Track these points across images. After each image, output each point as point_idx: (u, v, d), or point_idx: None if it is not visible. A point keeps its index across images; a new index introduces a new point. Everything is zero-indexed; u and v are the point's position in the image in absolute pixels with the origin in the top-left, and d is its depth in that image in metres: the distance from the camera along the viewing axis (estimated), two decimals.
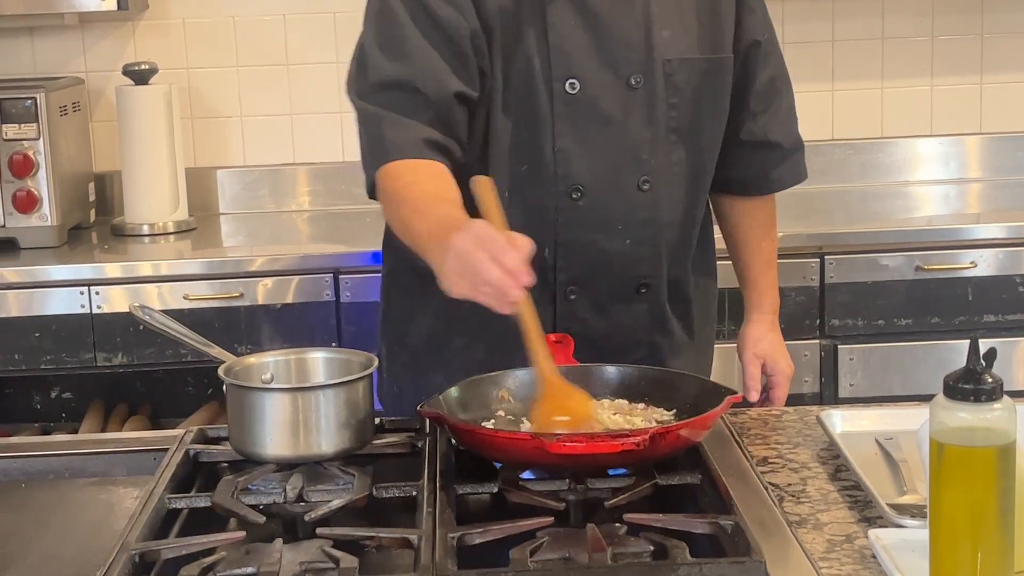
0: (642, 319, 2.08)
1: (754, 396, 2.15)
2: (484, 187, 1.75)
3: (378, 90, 1.93)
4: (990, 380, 1.27)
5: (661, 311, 2.09)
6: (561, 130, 1.96)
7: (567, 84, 1.96)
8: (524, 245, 1.60)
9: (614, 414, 1.77)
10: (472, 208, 1.75)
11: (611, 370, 1.85)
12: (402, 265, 2.10)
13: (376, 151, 1.91)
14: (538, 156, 1.97)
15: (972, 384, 1.27)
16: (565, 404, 1.72)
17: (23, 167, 3.32)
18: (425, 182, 1.86)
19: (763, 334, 2.23)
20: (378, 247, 2.92)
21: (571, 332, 1.99)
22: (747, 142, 2.15)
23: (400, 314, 2.15)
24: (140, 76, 3.52)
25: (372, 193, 1.94)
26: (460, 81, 1.92)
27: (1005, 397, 1.28)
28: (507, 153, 1.97)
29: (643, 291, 2.06)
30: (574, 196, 1.98)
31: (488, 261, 1.58)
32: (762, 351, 2.21)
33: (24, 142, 3.33)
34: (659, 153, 2.01)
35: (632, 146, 1.99)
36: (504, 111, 1.96)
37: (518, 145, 1.97)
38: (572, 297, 2.03)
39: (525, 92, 1.96)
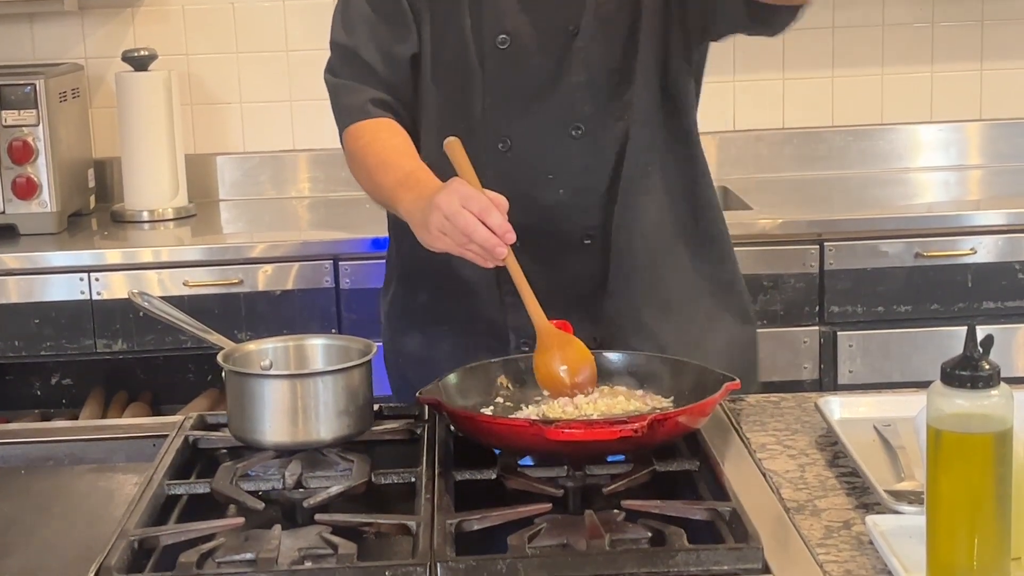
0: (590, 270, 2.05)
1: None
2: (455, 148, 1.84)
3: (335, 59, 2.08)
4: (987, 367, 1.27)
5: (620, 262, 2.04)
6: (491, 86, 1.99)
7: (498, 39, 1.98)
8: (503, 203, 1.73)
9: (613, 401, 1.78)
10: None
11: (610, 357, 1.85)
12: (406, 259, 2.11)
13: (338, 118, 2.06)
14: (469, 114, 2.01)
15: (969, 371, 1.27)
16: (564, 353, 1.79)
17: (23, 153, 3.33)
18: (385, 139, 1.99)
19: None
20: (378, 234, 2.92)
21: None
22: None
23: (404, 306, 2.15)
24: (139, 62, 3.52)
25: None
26: (397, 41, 2.02)
27: (1002, 384, 1.28)
28: (439, 114, 2.01)
29: (588, 242, 2.04)
30: (501, 147, 2.00)
31: (476, 221, 1.71)
32: None
33: (24, 128, 3.33)
34: (599, 102, 2.00)
35: (564, 96, 1.99)
36: (435, 74, 2.02)
37: (450, 106, 2.02)
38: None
39: (456, 54, 2.00)
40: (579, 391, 1.78)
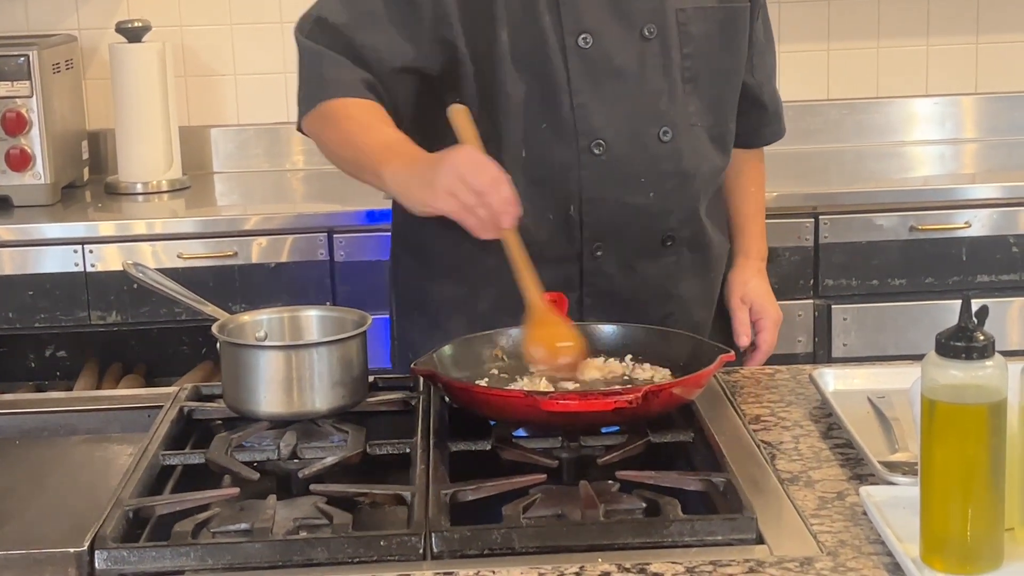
0: (669, 273, 2.06)
1: (744, 340, 2.13)
2: (461, 116, 1.82)
3: (322, 27, 1.94)
4: (982, 338, 1.27)
5: (687, 264, 2.08)
6: (578, 86, 1.95)
7: (580, 39, 1.94)
8: (507, 177, 1.71)
9: (608, 372, 1.78)
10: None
11: (604, 328, 1.85)
12: (412, 230, 2.10)
13: (315, 87, 1.94)
14: (556, 113, 1.96)
15: (964, 342, 1.27)
16: (557, 331, 1.78)
17: (16, 125, 3.32)
18: (364, 107, 1.90)
19: (749, 278, 2.20)
20: (372, 206, 2.90)
21: (598, 289, 2.00)
22: (744, 96, 2.13)
23: (412, 279, 2.14)
24: (133, 34, 3.51)
25: (300, 126, 1.97)
26: (402, 53, 1.93)
27: (996, 355, 1.28)
28: (522, 113, 1.96)
29: (669, 244, 2.04)
30: (596, 151, 1.96)
31: (491, 186, 1.68)
32: (749, 296, 2.18)
33: (17, 100, 3.32)
34: (676, 104, 2.00)
35: (649, 98, 1.98)
36: (515, 72, 1.95)
37: (533, 104, 1.96)
38: (599, 254, 2.00)
39: (536, 51, 1.95)
40: (564, 372, 1.77)
